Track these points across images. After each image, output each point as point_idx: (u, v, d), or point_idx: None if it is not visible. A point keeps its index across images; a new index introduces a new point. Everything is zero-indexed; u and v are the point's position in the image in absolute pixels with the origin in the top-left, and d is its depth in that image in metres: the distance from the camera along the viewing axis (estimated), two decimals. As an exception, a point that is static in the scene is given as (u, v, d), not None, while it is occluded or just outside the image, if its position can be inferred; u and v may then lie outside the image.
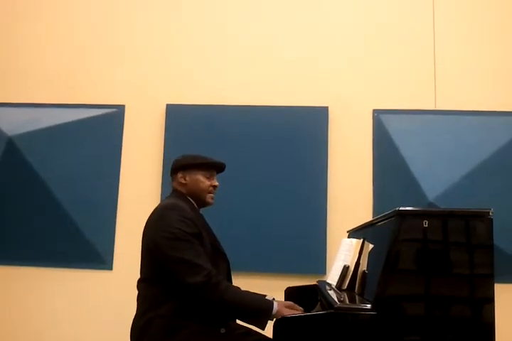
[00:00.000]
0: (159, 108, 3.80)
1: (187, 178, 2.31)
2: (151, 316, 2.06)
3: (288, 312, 1.94)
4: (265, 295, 2.35)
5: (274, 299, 2.26)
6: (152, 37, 3.91)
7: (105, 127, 3.81)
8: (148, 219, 2.23)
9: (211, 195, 2.34)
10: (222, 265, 2.26)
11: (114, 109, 3.83)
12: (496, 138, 3.57)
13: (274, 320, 1.83)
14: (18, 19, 4.01)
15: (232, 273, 2.40)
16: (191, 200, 2.30)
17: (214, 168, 2.36)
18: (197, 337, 2.02)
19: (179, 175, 2.32)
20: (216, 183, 2.36)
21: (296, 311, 2.03)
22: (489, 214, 1.73)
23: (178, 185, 2.33)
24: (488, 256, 1.72)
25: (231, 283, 2.32)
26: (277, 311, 1.97)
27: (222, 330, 2.08)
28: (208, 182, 2.32)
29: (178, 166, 2.35)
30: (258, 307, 2.00)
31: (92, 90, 3.87)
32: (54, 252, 3.67)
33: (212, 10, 3.92)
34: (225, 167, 2.41)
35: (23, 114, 3.84)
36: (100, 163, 3.76)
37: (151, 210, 3.55)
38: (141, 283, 2.20)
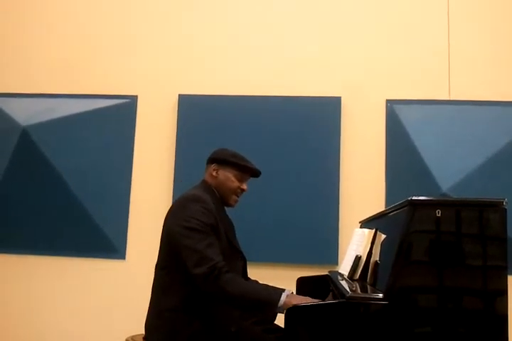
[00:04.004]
0: (172, 98, 3.80)
1: (219, 172, 2.28)
2: (161, 308, 2.08)
3: (298, 301, 1.86)
4: (283, 289, 2.35)
5: (292, 292, 2.26)
6: (165, 27, 3.91)
7: (118, 117, 3.82)
8: (170, 208, 2.22)
9: (236, 197, 2.31)
10: (237, 263, 2.25)
11: (126, 100, 3.84)
12: (510, 128, 3.53)
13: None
14: (30, 8, 4.02)
15: (245, 264, 2.39)
16: (217, 194, 2.27)
17: (249, 172, 2.32)
18: (206, 334, 2.02)
19: (213, 166, 2.29)
20: (245, 187, 2.32)
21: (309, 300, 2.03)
22: (503, 204, 1.71)
23: (209, 176, 2.30)
24: (501, 247, 1.70)
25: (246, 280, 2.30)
26: (285, 303, 1.88)
27: (233, 328, 2.07)
28: (237, 184, 2.28)
29: (215, 158, 2.31)
30: (262, 299, 1.94)
31: (105, 81, 3.88)
32: (67, 241, 3.71)
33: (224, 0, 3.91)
34: (259, 175, 2.36)
35: (36, 104, 3.86)
36: (113, 153, 3.77)
37: (164, 200, 3.63)
38: (157, 270, 2.21)
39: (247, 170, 2.30)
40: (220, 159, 2.29)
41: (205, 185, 2.28)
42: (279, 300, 1.90)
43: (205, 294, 2.00)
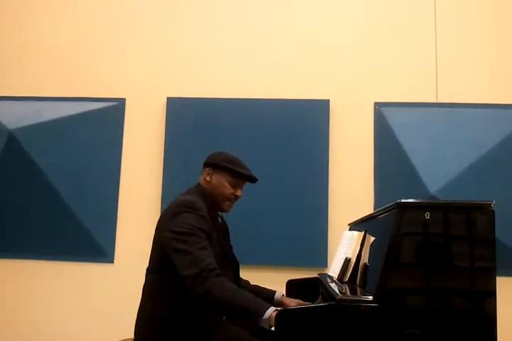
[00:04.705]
0: (160, 101, 3.79)
1: (213, 177, 2.23)
2: (151, 313, 2.07)
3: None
4: (275, 291, 2.36)
5: (283, 295, 2.25)
6: (153, 30, 3.90)
7: (106, 120, 3.80)
8: (163, 212, 2.18)
9: (229, 203, 2.26)
10: (227, 272, 2.19)
11: (114, 103, 3.82)
12: (497, 130, 3.56)
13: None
14: (19, 13, 3.99)
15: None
16: (211, 199, 2.23)
17: (243, 179, 2.27)
18: (195, 339, 2.01)
19: (207, 170, 2.25)
20: (239, 194, 2.27)
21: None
22: (491, 206, 1.72)
23: (203, 180, 2.27)
24: (490, 248, 1.72)
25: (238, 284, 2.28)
26: (271, 317, 1.77)
27: (222, 333, 2.04)
28: (231, 190, 2.23)
29: (209, 162, 2.27)
30: (248, 309, 1.85)
31: (93, 83, 3.86)
32: (55, 245, 3.68)
33: (212, 3, 3.90)
34: (256, 181, 2.30)
35: (23, 107, 3.83)
36: (101, 156, 3.75)
37: (152, 203, 3.62)
38: (147, 275, 2.19)
39: (241, 177, 2.26)
40: (214, 164, 2.25)
41: (199, 189, 2.25)
42: (264, 312, 1.80)
43: (193, 298, 1.94)
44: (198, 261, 1.93)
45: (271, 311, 1.80)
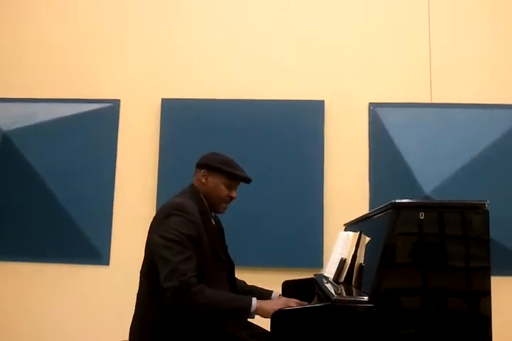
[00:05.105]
0: (154, 102, 3.79)
1: (208, 179, 2.22)
2: (144, 315, 2.07)
3: (273, 306, 1.87)
4: (272, 291, 2.38)
5: (280, 295, 2.25)
6: (148, 31, 3.89)
7: (100, 122, 3.80)
8: (155, 215, 2.18)
9: (225, 205, 2.27)
10: (221, 274, 2.21)
11: (109, 104, 3.82)
12: (491, 131, 3.58)
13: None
14: (15, 15, 3.98)
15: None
16: (204, 201, 2.22)
17: (239, 180, 2.28)
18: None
19: (202, 172, 2.24)
20: (234, 195, 2.27)
21: (284, 303, 2.00)
22: (485, 206, 1.73)
23: (197, 181, 2.25)
24: (484, 248, 1.72)
25: (235, 292, 2.26)
26: (257, 308, 1.91)
27: (216, 334, 2.03)
28: (226, 192, 2.23)
29: (204, 163, 2.25)
30: (235, 307, 1.94)
31: (87, 85, 3.86)
32: (50, 247, 3.67)
33: (208, 3, 3.90)
34: (250, 182, 2.30)
35: (17, 108, 3.82)
36: (96, 158, 3.74)
37: (148, 205, 3.62)
38: (141, 277, 2.18)
39: (236, 179, 2.26)
40: (210, 165, 2.24)
41: (192, 191, 2.24)
42: (250, 306, 1.91)
43: (176, 310, 1.95)
44: (179, 272, 1.92)
45: (255, 302, 1.90)
